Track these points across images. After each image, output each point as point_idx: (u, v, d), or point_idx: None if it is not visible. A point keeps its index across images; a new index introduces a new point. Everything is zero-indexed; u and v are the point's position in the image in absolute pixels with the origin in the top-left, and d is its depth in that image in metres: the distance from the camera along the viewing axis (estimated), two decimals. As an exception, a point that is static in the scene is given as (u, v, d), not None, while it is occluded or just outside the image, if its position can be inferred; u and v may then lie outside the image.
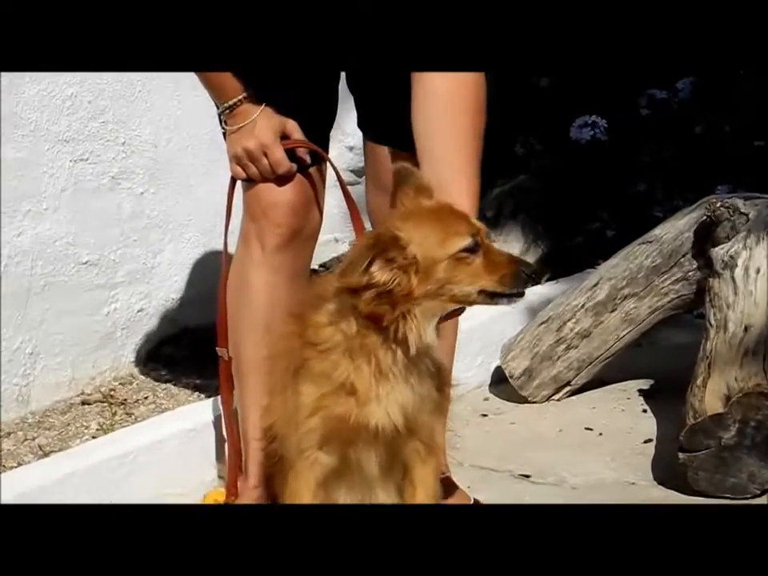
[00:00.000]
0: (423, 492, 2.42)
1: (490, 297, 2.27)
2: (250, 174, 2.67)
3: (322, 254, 4.56)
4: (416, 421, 2.35)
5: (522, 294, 2.28)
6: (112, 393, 3.61)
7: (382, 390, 2.29)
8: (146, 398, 3.59)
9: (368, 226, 2.92)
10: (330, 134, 2.83)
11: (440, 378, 2.41)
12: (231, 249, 2.80)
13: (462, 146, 2.47)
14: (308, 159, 2.71)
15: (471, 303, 2.30)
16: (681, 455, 2.99)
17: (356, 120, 2.90)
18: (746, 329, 3.12)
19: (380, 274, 2.20)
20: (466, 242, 2.24)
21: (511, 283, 2.25)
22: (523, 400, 3.71)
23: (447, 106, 2.46)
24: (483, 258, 2.25)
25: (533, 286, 2.29)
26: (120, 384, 3.69)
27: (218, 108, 2.66)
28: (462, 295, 2.26)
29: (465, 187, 2.45)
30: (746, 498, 2.96)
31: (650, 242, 3.69)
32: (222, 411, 2.83)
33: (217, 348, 2.78)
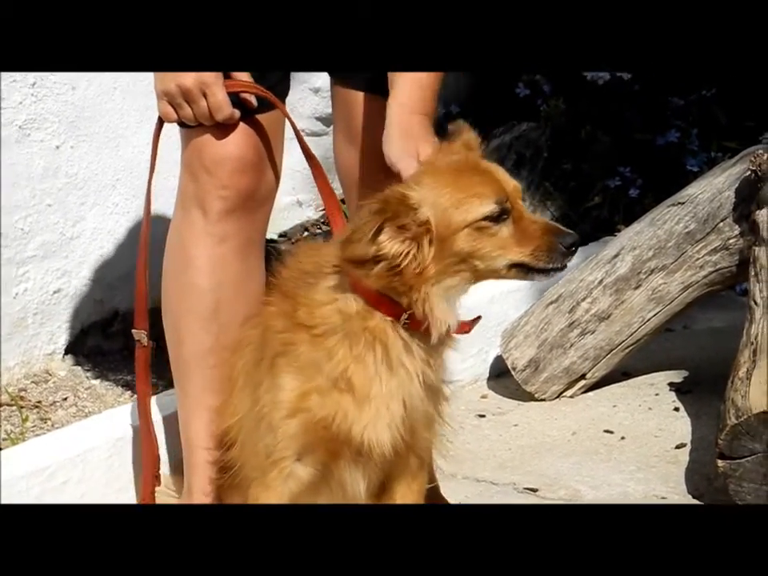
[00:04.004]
0: None
1: (524, 271, 2.30)
2: (183, 116, 2.67)
3: (283, 221, 4.56)
4: (415, 433, 2.37)
5: (562, 269, 2.31)
6: (22, 394, 3.58)
7: (385, 385, 2.30)
8: (65, 399, 3.57)
9: (336, 185, 2.91)
10: (291, 73, 2.83)
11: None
12: (161, 208, 2.78)
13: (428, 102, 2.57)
14: (253, 102, 2.70)
15: (503, 278, 2.33)
16: (720, 463, 3.00)
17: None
18: (799, 308, 3.14)
19: (390, 244, 2.22)
20: (488, 207, 2.25)
21: (546, 258, 2.27)
22: (529, 397, 3.72)
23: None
24: (513, 226, 2.27)
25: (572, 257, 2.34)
26: (32, 383, 3.67)
27: None
28: (487, 271, 2.29)
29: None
30: (800, 514, 2.99)
31: (682, 204, 3.70)
32: (137, 408, 2.83)
33: (133, 330, 2.78)
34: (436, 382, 2.38)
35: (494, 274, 2.29)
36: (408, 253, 2.22)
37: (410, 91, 2.52)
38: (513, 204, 2.28)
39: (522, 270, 2.29)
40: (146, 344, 2.76)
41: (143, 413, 2.80)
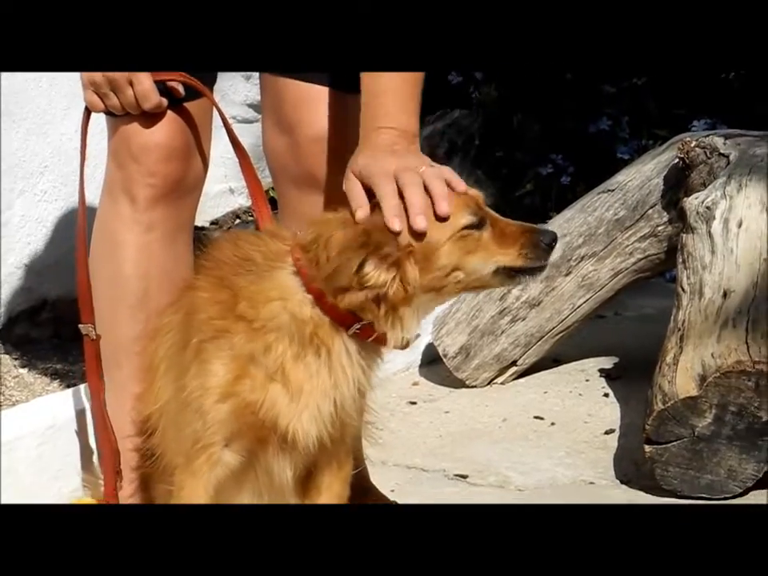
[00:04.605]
0: (327, 500, 2.45)
1: (509, 275, 2.29)
2: (110, 105, 2.65)
3: (214, 209, 4.54)
4: (344, 427, 2.38)
5: (544, 268, 2.31)
6: (-52, 383, 3.55)
7: (321, 384, 2.30)
8: (-9, 388, 3.54)
9: (266, 173, 2.91)
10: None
11: None
12: (89, 197, 2.76)
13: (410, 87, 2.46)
14: (181, 90, 2.69)
15: (485, 287, 2.34)
16: (647, 448, 3.03)
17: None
18: (725, 294, 3.16)
19: (375, 275, 2.21)
20: (466, 219, 2.26)
21: (532, 254, 2.27)
22: (460, 384, 3.74)
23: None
24: (491, 230, 2.28)
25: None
26: (-42, 372, 3.63)
27: None
28: (473, 279, 2.28)
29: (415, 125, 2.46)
30: (725, 498, 3.01)
31: (612, 191, 3.73)
32: (89, 403, 2.80)
33: (80, 325, 2.76)
34: (367, 388, 2.39)
35: (479, 282, 2.29)
36: (393, 279, 2.22)
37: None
38: (484, 211, 2.30)
39: (506, 274, 2.29)
40: (94, 337, 2.74)
41: (98, 408, 2.75)
